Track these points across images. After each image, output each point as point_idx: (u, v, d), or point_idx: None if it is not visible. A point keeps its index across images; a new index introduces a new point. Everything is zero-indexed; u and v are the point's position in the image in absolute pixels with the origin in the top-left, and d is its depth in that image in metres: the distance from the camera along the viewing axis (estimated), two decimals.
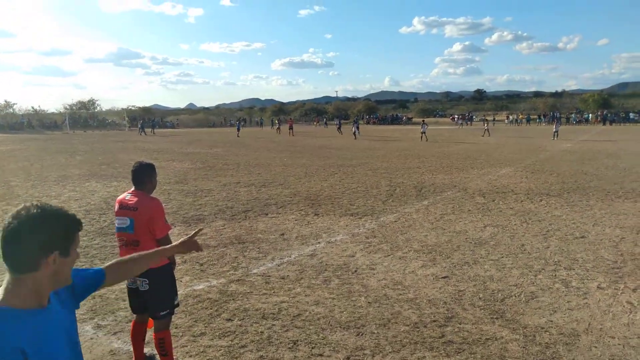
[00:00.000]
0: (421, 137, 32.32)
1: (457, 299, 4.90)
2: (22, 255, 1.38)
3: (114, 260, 1.96)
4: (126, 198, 3.40)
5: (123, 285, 4.74)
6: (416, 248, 6.72)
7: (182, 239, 2.14)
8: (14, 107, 65.04)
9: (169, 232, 3.49)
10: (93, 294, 4.99)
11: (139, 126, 47.25)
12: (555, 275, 5.53)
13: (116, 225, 3.44)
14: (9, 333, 1.32)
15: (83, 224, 1.51)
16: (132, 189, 3.46)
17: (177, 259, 6.19)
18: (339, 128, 44.78)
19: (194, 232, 2.13)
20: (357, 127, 38.34)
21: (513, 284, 5.29)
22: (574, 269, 5.73)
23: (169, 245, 2.15)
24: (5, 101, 65.47)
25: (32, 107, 67.29)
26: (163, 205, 3.58)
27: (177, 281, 5.31)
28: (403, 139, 34.73)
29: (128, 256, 1.97)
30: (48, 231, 1.40)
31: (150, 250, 2.08)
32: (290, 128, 42.46)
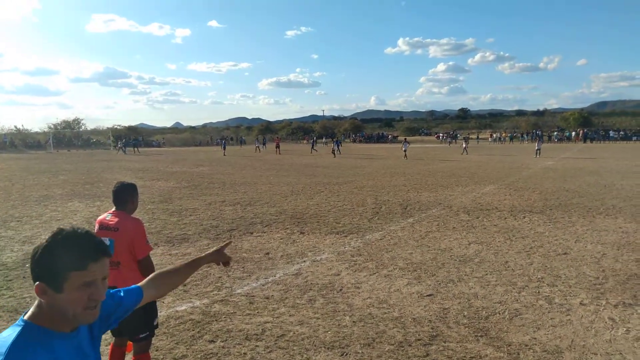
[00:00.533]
0: (404, 155, 32.73)
1: (441, 317, 4.89)
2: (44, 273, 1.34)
3: (152, 274, 1.92)
4: (107, 218, 3.35)
5: None
6: (401, 266, 6.72)
7: (215, 248, 2.13)
8: None
9: (150, 252, 3.44)
10: None
11: (119, 145, 47.36)
12: (538, 292, 5.56)
13: None
14: (36, 352, 1.28)
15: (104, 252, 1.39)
16: (113, 209, 3.42)
17: None
18: (312, 146, 45.09)
19: (224, 243, 2.13)
20: (338, 146, 38.67)
21: (497, 301, 5.31)
22: (556, 286, 5.77)
23: (205, 254, 2.13)
24: None
25: (15, 127, 66.50)
26: (145, 225, 3.54)
27: (159, 302, 5.23)
28: (389, 156, 35.00)
29: (169, 267, 1.96)
30: (63, 255, 1.33)
31: (190, 259, 2.07)
32: (277, 147, 42.58)
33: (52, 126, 69.09)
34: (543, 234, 8.67)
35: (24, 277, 6.29)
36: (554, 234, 8.65)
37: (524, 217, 10.24)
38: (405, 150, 33.54)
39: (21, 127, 67.06)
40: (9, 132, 62.83)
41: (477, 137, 69.23)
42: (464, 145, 39.65)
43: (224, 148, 41.94)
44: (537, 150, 32.45)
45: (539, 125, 76.33)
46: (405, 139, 40.14)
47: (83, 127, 73.68)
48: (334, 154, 35.76)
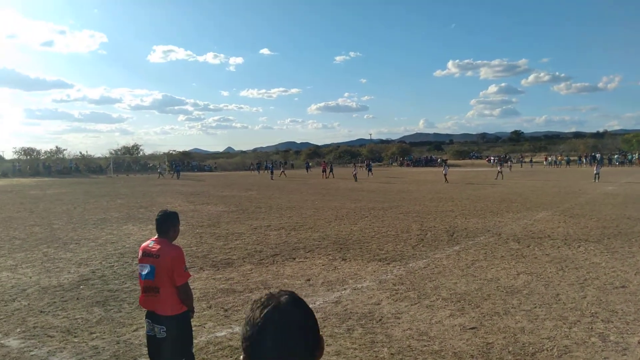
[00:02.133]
0: (445, 179, 31.92)
1: (484, 352, 4.69)
2: None
3: None
4: (149, 245, 3.51)
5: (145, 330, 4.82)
6: (444, 296, 6.53)
7: None
8: (64, 152, 68.84)
9: (189, 279, 3.56)
10: (118, 338, 5.02)
11: (159, 170, 49.56)
12: (591, 328, 5.23)
13: (139, 272, 3.54)
14: None
15: None
16: (156, 236, 3.58)
17: (202, 303, 6.26)
18: (307, 169, 44.32)
19: None
20: (370, 169, 38.14)
21: (545, 336, 5.04)
22: (612, 322, 5.41)
23: None
24: (57, 147, 69.61)
25: (80, 153, 71.00)
26: (192, 249, 3.68)
27: (200, 327, 5.35)
28: (437, 181, 34.35)
29: None
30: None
31: None
32: (324, 170, 42.61)
33: (112, 152, 73.17)
34: (599, 264, 8.18)
35: (77, 299, 6.63)
36: (612, 265, 8.13)
37: (579, 247, 9.71)
38: (445, 174, 32.68)
39: (85, 153, 71.63)
40: (75, 158, 67.11)
41: (531, 160, 66.71)
42: (498, 169, 36.00)
43: (272, 172, 42.66)
44: (595, 174, 30.79)
45: (598, 148, 72.54)
46: (445, 161, 38.69)
47: (141, 152, 77.53)
48: (355, 178, 35.43)
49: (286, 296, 1.12)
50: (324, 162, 52.80)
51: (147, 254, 3.49)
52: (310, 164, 62.30)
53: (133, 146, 77.72)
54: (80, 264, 8.81)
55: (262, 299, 1.11)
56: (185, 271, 3.48)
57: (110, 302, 6.49)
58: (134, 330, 5.38)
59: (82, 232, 12.58)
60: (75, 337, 5.22)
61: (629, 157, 61.09)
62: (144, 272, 3.45)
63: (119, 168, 62.00)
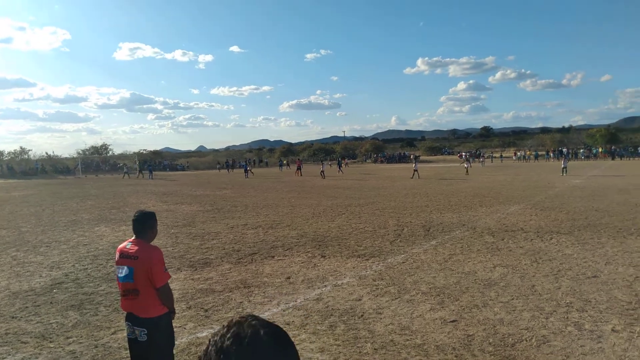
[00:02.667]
0: (413, 174, 32.32)
1: (466, 344, 4.77)
2: None
3: None
4: (127, 247, 3.42)
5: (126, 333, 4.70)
6: (424, 290, 6.61)
7: None
8: (29, 153, 66.54)
9: (169, 280, 3.48)
10: (96, 342, 4.89)
11: (124, 170, 48.97)
12: (567, 318, 5.38)
13: (117, 274, 3.44)
14: None
15: None
16: (133, 237, 3.49)
17: (182, 304, 6.15)
18: (280, 165, 44.52)
19: None
20: (340, 166, 38.62)
21: (524, 327, 5.16)
22: (586, 311, 5.58)
23: None
24: (21, 147, 67.17)
25: (46, 153, 68.82)
26: (168, 249, 3.59)
27: (181, 328, 5.26)
28: (410, 177, 34.73)
29: None
30: None
31: None
32: (299, 168, 42.74)
33: (80, 152, 71.22)
34: (571, 256, 8.43)
35: (51, 303, 6.42)
36: (583, 255, 8.39)
37: (551, 239, 9.98)
38: (416, 170, 33.03)
39: (52, 154, 69.44)
40: (40, 158, 64.98)
41: (501, 155, 68.30)
42: (465, 165, 36.55)
43: (246, 171, 42.34)
44: (563, 168, 31.76)
45: (564, 143, 74.84)
46: (417, 157, 39.25)
47: (110, 152, 75.73)
48: (323, 175, 35.95)
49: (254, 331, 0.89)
50: (299, 159, 52.85)
51: (124, 256, 3.39)
52: (283, 161, 62.11)
53: (102, 146, 75.91)
54: (52, 267, 8.53)
55: (222, 331, 0.90)
56: (165, 272, 3.40)
57: (86, 305, 6.30)
58: (112, 334, 5.24)
59: (53, 235, 12.19)
60: (50, 342, 5.05)
61: (594, 151, 63.21)
62: (122, 275, 3.35)
63: (88, 168, 60.45)
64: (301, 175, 40.06)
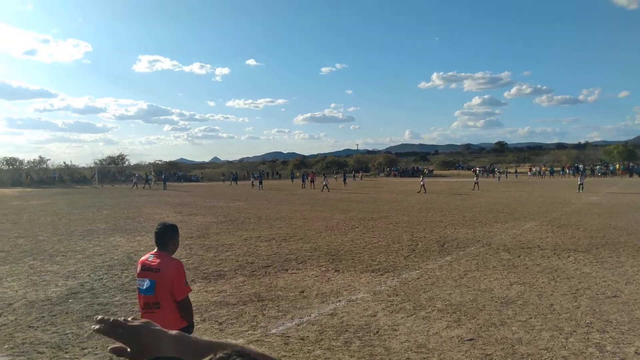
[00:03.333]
0: (420, 189, 31.99)
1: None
2: None
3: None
4: (149, 259, 3.44)
5: None
6: (440, 307, 6.52)
7: None
8: (47, 162, 67.76)
9: (189, 294, 3.48)
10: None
11: (134, 180, 49.13)
12: (587, 339, 5.26)
13: (137, 286, 3.46)
14: None
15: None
16: (155, 249, 3.51)
17: (196, 317, 6.15)
18: (292, 179, 43.93)
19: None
20: (345, 179, 38.94)
21: (543, 347, 5.05)
22: (607, 332, 5.45)
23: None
24: (40, 157, 68.47)
25: (64, 162, 69.98)
26: (182, 260, 3.61)
27: None
28: (417, 191, 34.53)
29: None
30: None
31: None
32: (312, 181, 42.89)
33: (97, 162, 72.26)
34: (590, 274, 8.26)
35: (67, 313, 6.47)
36: (602, 274, 8.23)
37: (569, 257, 9.81)
38: (423, 185, 32.59)
39: (69, 163, 70.64)
40: (58, 168, 66.09)
41: (516, 171, 67.65)
42: (475, 180, 35.64)
43: (261, 182, 42.27)
44: (579, 184, 31.31)
45: (580, 159, 73.96)
46: (424, 171, 38.76)
47: (127, 162, 76.74)
48: (327, 188, 35.78)
49: None
50: (312, 172, 52.98)
51: (146, 268, 3.41)
52: (295, 174, 62.23)
53: (118, 156, 77.05)
54: (68, 277, 8.62)
55: None
56: (185, 285, 3.41)
57: (99, 315, 6.32)
58: None
59: (69, 244, 12.33)
60: (66, 352, 5.08)
61: (611, 167, 62.29)
62: (144, 287, 3.36)
63: (104, 178, 61.20)
64: (314, 187, 40.13)
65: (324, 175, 43.57)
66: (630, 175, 56.51)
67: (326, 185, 36.23)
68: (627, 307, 6.38)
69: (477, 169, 73.71)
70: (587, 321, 5.83)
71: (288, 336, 5.51)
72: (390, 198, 27.90)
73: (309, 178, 45.22)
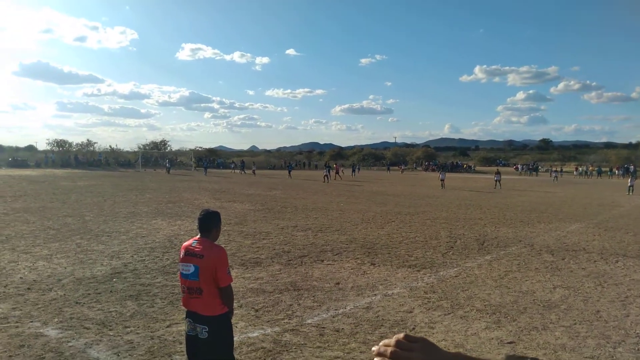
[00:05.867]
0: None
1: None
2: None
3: None
4: (192, 245, 3.49)
5: (181, 327, 4.84)
6: (479, 307, 6.37)
7: None
8: (94, 145, 70.52)
9: (231, 283, 3.52)
10: (152, 334, 5.05)
11: (167, 165, 51.36)
12: (637, 350, 5.01)
13: (180, 271, 3.52)
14: None
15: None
16: (198, 235, 3.56)
17: (234, 303, 6.26)
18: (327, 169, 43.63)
19: None
20: (329, 171, 39.01)
21: (589, 355, 4.85)
22: None
23: None
24: (88, 140, 71.35)
25: (110, 146, 72.60)
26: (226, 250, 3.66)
27: (232, 327, 5.34)
28: (463, 187, 33.84)
29: None
30: None
31: None
32: (337, 172, 43.66)
33: (141, 146, 74.54)
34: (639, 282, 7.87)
35: (111, 292, 6.72)
36: None
37: (617, 262, 9.38)
38: (442, 180, 32.24)
39: (115, 147, 73.24)
40: (104, 151, 68.66)
41: (561, 169, 65.17)
42: (495, 179, 33.75)
43: (290, 171, 43.16)
44: (629, 186, 29.83)
45: (631, 160, 70.32)
46: (442, 166, 37.66)
47: (169, 147, 78.83)
48: (326, 178, 36.63)
49: None
50: (336, 164, 53.29)
51: (190, 254, 3.47)
52: (332, 165, 62.36)
53: (161, 141, 79.12)
54: (112, 257, 8.95)
55: None
56: (228, 275, 3.44)
57: (143, 296, 6.55)
58: (167, 327, 5.40)
59: (113, 225, 12.80)
60: (110, 330, 5.27)
61: None
62: (188, 272, 3.43)
63: (147, 162, 63.15)
64: (339, 178, 40.94)
65: (325, 166, 44.53)
66: None
67: (326, 176, 37.46)
68: None
69: (519, 165, 71.56)
70: (637, 331, 5.55)
71: (323, 327, 5.52)
72: (427, 193, 27.47)
73: (335, 170, 45.65)
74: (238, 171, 55.08)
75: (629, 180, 31.12)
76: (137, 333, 5.20)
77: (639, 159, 71.39)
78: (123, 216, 14.60)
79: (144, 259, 8.81)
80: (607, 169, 62.23)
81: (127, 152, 72.59)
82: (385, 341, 0.92)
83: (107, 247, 9.89)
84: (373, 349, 0.92)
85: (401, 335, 0.93)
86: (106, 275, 7.64)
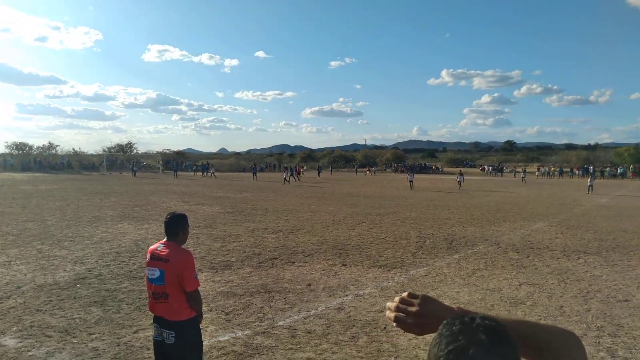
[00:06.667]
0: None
1: None
2: None
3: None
4: (158, 249, 3.40)
5: (149, 332, 4.71)
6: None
7: None
8: (57, 148, 68.13)
9: (198, 287, 3.43)
10: (118, 340, 4.90)
11: (133, 168, 50.48)
12: (599, 343, 5.18)
13: (147, 275, 3.42)
14: None
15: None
16: (165, 239, 3.47)
17: (203, 307, 6.14)
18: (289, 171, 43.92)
19: None
20: (292, 174, 40.75)
21: None
22: (619, 336, 5.37)
23: None
24: (49, 143, 68.83)
25: (73, 149, 70.31)
26: (189, 250, 3.58)
27: (202, 331, 5.23)
28: (431, 188, 34.40)
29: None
30: None
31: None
32: (299, 174, 44.07)
33: (106, 149, 72.54)
34: (600, 277, 8.17)
35: (74, 298, 6.48)
36: (613, 278, 8.12)
37: (579, 258, 9.71)
38: (411, 181, 33.33)
39: (78, 150, 70.95)
40: (67, 154, 66.42)
41: (524, 170, 67.08)
42: (457, 179, 34.54)
43: (291, 175, 42.89)
44: (589, 186, 31.02)
45: (590, 160, 73.16)
46: (411, 167, 39.04)
47: (135, 150, 76.99)
48: (285, 181, 37.09)
49: (485, 336, 0.79)
50: (298, 165, 54.04)
51: (156, 258, 3.37)
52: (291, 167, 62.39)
53: (127, 144, 77.22)
54: (75, 262, 8.65)
55: (453, 328, 0.82)
56: (194, 278, 3.36)
57: (109, 302, 6.35)
58: (134, 332, 5.25)
59: (77, 230, 12.39)
60: (74, 337, 5.08)
61: (621, 170, 61.62)
62: (154, 277, 3.33)
63: (112, 166, 61.47)
64: (298, 179, 41.97)
65: (285, 168, 45.28)
66: None
67: (285, 178, 37.80)
68: (638, 311, 6.29)
69: (485, 166, 73.37)
70: (598, 325, 5.75)
71: (295, 329, 5.48)
72: (397, 194, 27.79)
73: (297, 171, 46.35)
74: (200, 174, 54.56)
75: (589, 180, 32.35)
76: (103, 340, 5.03)
77: (598, 159, 74.36)
78: (87, 220, 14.16)
79: (109, 264, 8.55)
80: (568, 170, 64.49)
81: (92, 155, 70.45)
82: (392, 301, 1.13)
83: (70, 252, 9.55)
84: (388, 304, 1.13)
85: (405, 293, 1.13)
86: (69, 281, 7.37)
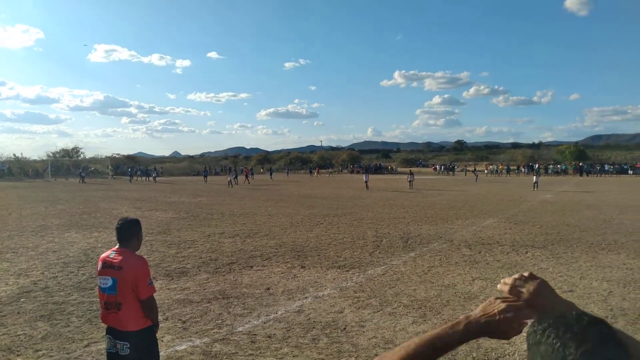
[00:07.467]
0: (366, 185, 33.46)
1: (450, 359, 4.74)
2: None
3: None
4: (110, 256, 3.27)
5: (101, 345, 4.51)
6: (405, 303, 6.59)
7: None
8: None
9: (154, 294, 3.33)
10: (68, 355, 4.69)
11: (81, 174, 47.96)
12: None
13: (99, 285, 3.28)
14: None
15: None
16: (117, 246, 3.34)
17: (159, 316, 5.95)
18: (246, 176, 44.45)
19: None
20: (236, 177, 41.15)
21: (505, 342, 5.17)
22: None
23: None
24: None
25: (14, 155, 66.41)
26: (147, 260, 3.46)
27: (158, 340, 5.07)
28: (387, 188, 35.01)
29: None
30: None
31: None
32: (247, 176, 44.14)
33: (50, 154, 69.06)
34: (547, 269, 8.57)
35: (18, 313, 6.12)
36: (558, 270, 8.55)
37: (527, 252, 10.15)
38: (366, 182, 33.84)
39: (20, 155, 67.08)
40: (7, 160, 62.68)
41: (475, 169, 69.56)
42: (409, 179, 34.77)
43: (206, 177, 44.95)
44: (534, 183, 32.53)
45: (535, 158, 76.86)
46: (367, 168, 39.85)
47: (82, 155, 73.78)
48: (230, 184, 37.06)
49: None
50: (246, 168, 54.14)
51: (108, 266, 3.24)
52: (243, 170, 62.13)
53: (73, 149, 73.91)
54: (19, 275, 8.17)
55: (586, 328, 0.80)
56: (149, 286, 3.25)
57: (57, 315, 6.03)
58: (85, 346, 5.01)
59: (20, 240, 11.71)
60: (18, 355, 4.79)
61: (563, 167, 65.05)
62: (106, 286, 3.19)
63: (58, 172, 58.59)
64: (249, 183, 41.59)
65: (229, 171, 45.51)
66: (581, 175, 59.20)
67: (230, 181, 37.57)
68: (582, 300, 6.65)
69: (437, 166, 75.51)
70: None
71: (255, 334, 5.42)
72: (353, 195, 28.07)
73: (244, 174, 46.49)
74: (144, 178, 53.38)
75: (534, 177, 33.95)
76: (51, 356, 4.77)
77: (542, 157, 78.20)
78: (31, 230, 13.42)
79: (57, 276, 8.13)
80: (515, 168, 67.40)
81: (35, 160, 66.78)
82: (509, 279, 1.13)
83: (12, 264, 9.02)
84: (504, 280, 1.13)
85: (526, 273, 1.12)
86: (12, 295, 6.95)
